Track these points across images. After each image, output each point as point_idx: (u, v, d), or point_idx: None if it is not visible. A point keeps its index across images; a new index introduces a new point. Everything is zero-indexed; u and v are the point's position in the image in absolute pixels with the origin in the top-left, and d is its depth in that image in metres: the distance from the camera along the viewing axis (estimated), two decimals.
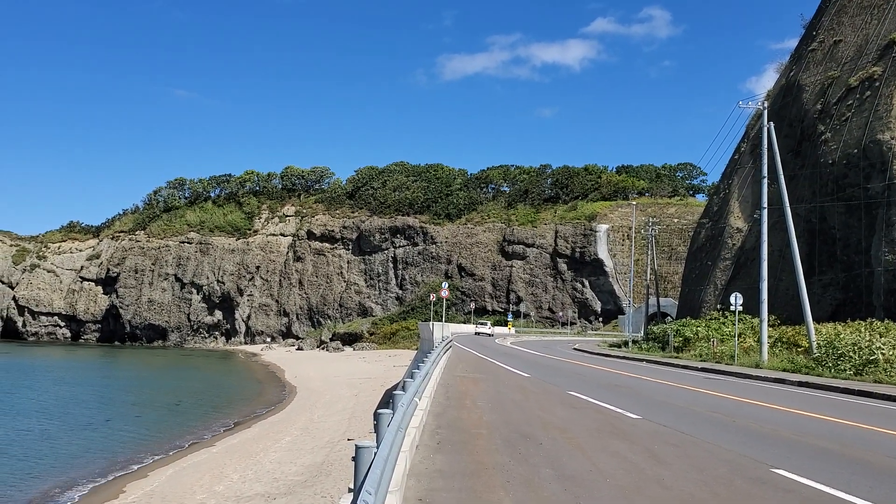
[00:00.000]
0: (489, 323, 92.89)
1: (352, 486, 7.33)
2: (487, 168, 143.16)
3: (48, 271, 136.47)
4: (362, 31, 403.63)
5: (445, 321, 58.86)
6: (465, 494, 8.69)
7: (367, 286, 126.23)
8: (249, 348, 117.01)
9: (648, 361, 40.34)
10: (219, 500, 22.37)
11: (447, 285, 64.17)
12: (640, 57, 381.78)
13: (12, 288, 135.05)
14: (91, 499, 24.30)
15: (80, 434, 36.72)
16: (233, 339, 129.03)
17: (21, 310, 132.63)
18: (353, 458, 7.01)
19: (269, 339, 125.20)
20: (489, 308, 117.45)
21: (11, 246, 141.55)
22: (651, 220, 78.05)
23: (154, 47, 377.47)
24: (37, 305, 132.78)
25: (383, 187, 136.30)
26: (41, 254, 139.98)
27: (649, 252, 73.93)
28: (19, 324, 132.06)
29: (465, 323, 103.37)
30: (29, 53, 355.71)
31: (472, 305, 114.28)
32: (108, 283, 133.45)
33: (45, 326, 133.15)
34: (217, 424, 40.59)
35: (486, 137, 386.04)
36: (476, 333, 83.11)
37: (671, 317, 73.52)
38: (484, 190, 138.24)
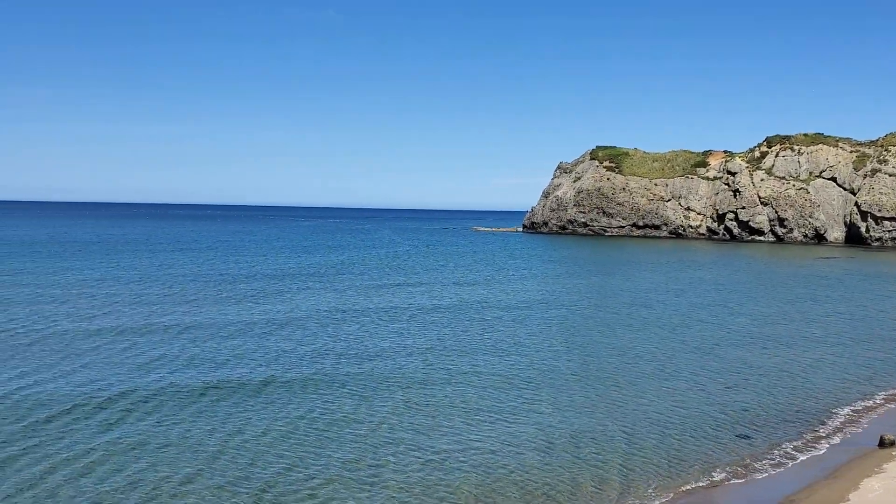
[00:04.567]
0: None
1: None
2: None
3: (889, 175, 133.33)
4: None
5: None
6: None
7: None
8: None
9: None
10: None
11: None
12: None
13: (854, 194, 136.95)
14: None
15: None
16: None
17: (863, 215, 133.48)
18: None
19: None
20: None
21: (851, 152, 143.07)
22: None
23: None
24: (879, 210, 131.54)
25: None
26: (882, 157, 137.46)
27: None
28: (862, 229, 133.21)
29: None
30: None
31: None
32: None
33: (889, 231, 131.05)
34: None
35: None
36: None
37: None
38: None
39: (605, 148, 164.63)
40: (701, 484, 17.70)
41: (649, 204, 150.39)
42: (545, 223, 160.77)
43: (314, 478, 16.92)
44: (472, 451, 18.91)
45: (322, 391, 24.17)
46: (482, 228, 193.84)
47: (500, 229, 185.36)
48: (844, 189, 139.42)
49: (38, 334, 32.26)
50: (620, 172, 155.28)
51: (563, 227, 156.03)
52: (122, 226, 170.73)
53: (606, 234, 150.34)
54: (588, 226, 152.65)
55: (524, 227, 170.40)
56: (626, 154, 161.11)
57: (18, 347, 29.56)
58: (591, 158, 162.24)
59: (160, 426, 20.15)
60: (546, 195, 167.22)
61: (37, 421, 20.17)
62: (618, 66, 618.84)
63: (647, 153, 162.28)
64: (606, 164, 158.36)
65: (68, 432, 19.32)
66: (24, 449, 18.01)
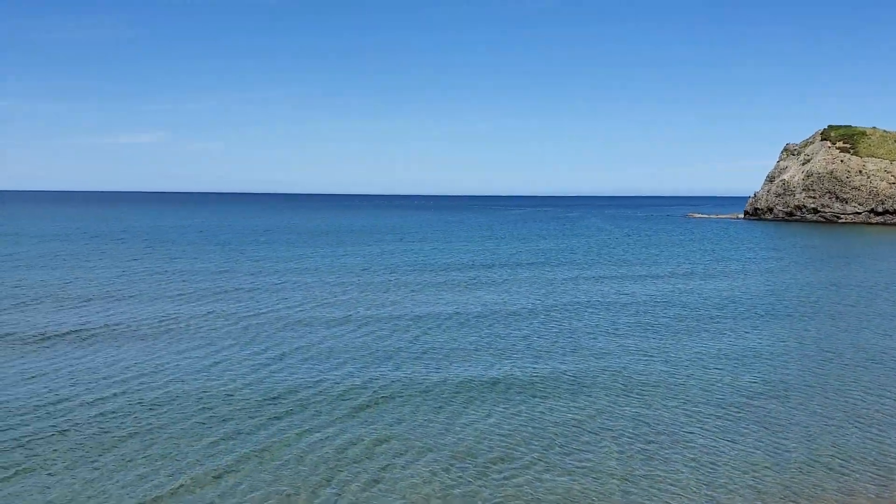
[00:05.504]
0: None
1: None
2: None
3: None
4: None
5: None
6: None
7: None
8: None
9: None
10: None
11: None
12: None
13: None
14: None
15: None
16: None
17: None
18: None
19: None
20: None
21: None
22: None
23: None
24: None
25: None
26: None
27: None
28: None
29: None
30: None
31: None
32: None
33: None
34: None
35: None
36: None
37: None
38: None
39: (838, 127, 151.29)
40: None
41: (890, 188, 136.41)
42: (770, 209, 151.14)
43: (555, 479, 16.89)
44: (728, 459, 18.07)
45: (552, 390, 24.14)
46: (699, 215, 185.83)
47: (719, 216, 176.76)
48: None
49: (283, 322, 35.05)
50: (856, 154, 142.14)
51: (790, 214, 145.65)
52: (347, 216, 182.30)
53: (840, 220, 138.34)
54: (818, 212, 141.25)
55: (746, 213, 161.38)
56: (863, 133, 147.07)
57: (268, 334, 32.35)
58: (822, 139, 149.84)
59: (400, 417, 21.05)
60: (771, 179, 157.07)
61: (287, 409, 21.60)
62: (851, 36, 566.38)
63: (888, 132, 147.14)
64: (840, 144, 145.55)
65: (315, 421, 20.52)
66: (272, 436, 19.26)
